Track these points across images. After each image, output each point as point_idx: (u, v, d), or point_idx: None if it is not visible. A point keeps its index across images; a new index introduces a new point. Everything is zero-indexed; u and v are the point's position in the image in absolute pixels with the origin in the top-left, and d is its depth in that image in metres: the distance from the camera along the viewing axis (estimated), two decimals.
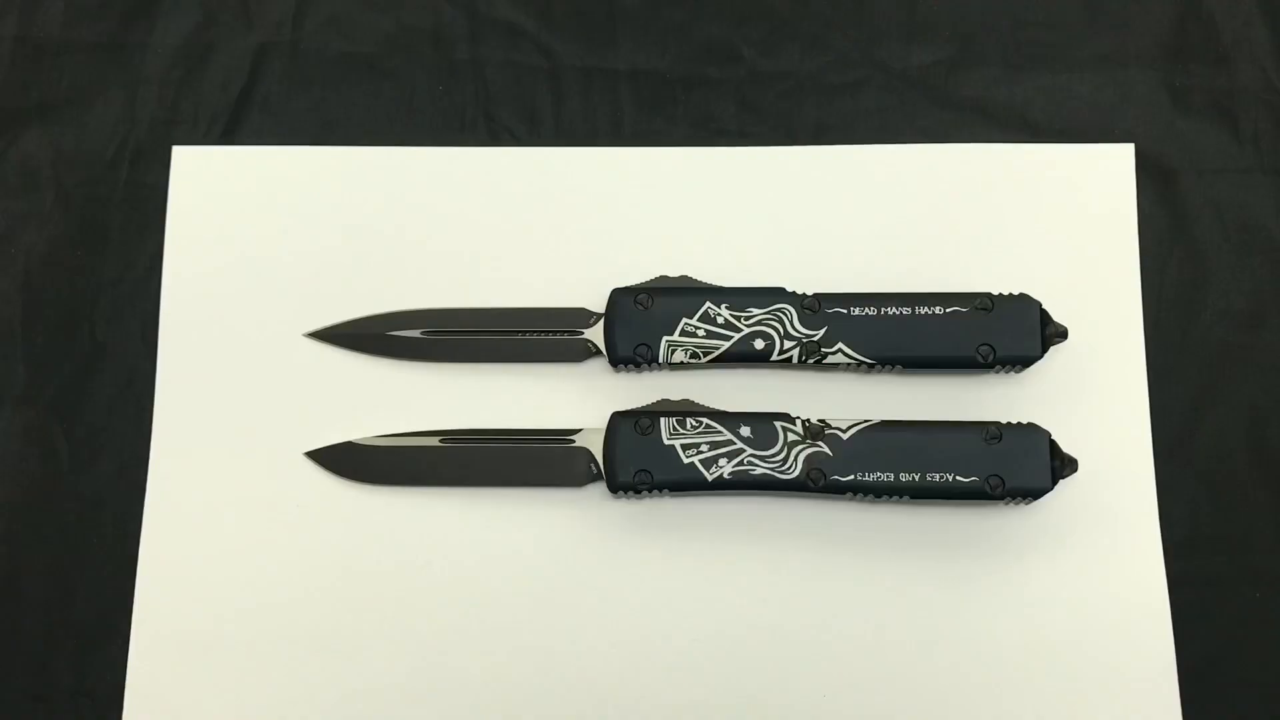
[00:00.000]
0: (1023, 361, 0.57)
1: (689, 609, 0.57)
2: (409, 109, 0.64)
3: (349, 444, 0.59)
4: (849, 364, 0.57)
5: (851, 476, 0.55)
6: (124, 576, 0.58)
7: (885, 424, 0.56)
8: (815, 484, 0.55)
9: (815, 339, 0.57)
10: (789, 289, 0.58)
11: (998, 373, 0.58)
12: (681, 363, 0.58)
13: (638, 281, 0.59)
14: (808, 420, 0.56)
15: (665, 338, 0.57)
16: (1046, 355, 0.57)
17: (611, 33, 0.65)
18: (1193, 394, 0.59)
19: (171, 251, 0.62)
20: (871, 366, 0.57)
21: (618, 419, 0.57)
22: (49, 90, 0.64)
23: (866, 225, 0.61)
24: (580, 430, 0.58)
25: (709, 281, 0.59)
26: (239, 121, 0.64)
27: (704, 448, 0.56)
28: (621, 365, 0.58)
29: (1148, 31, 0.64)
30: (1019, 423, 0.56)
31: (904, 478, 0.54)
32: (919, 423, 0.56)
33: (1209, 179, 0.62)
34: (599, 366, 0.60)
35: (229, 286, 0.61)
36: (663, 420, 0.56)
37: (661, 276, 0.59)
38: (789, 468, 0.55)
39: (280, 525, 0.58)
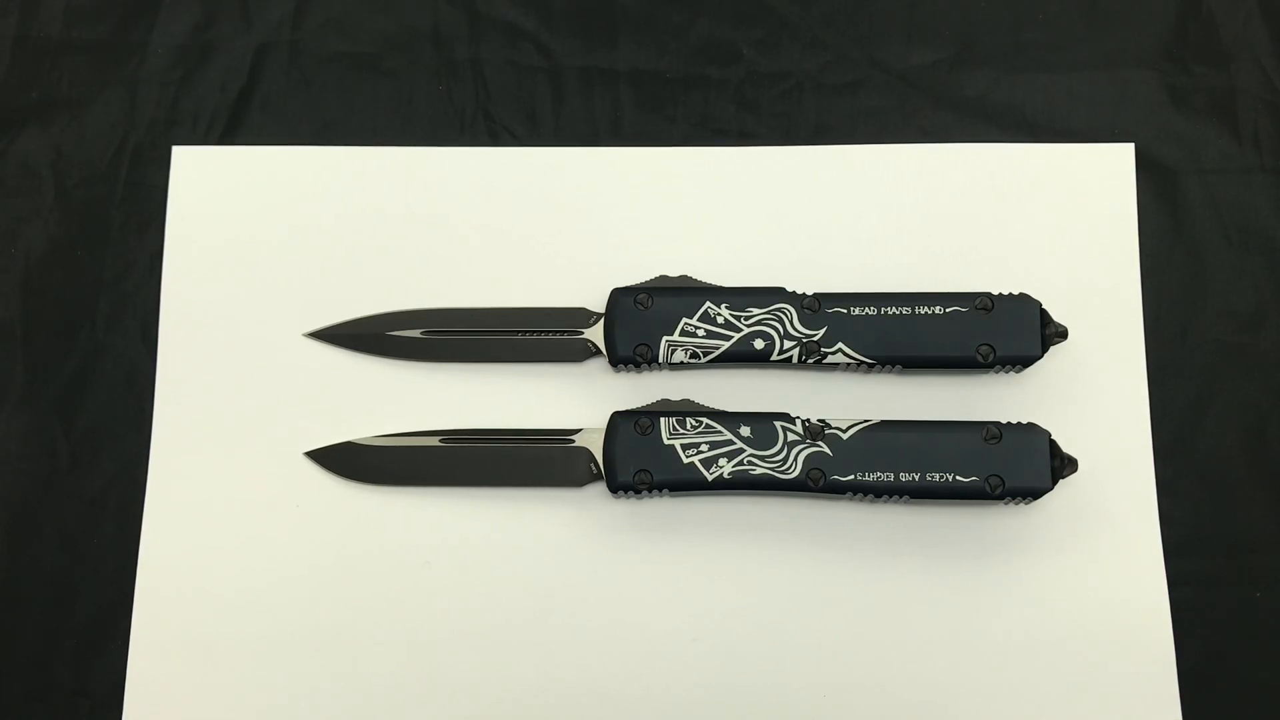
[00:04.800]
0: (1023, 361, 0.57)
1: (689, 609, 0.57)
2: (409, 109, 0.64)
3: (349, 444, 0.59)
4: (849, 364, 0.57)
5: (851, 476, 0.55)
6: (124, 576, 0.58)
7: (885, 424, 0.56)
8: (815, 484, 0.55)
9: (815, 339, 0.57)
10: (789, 289, 0.58)
11: (998, 373, 0.58)
12: (681, 363, 0.58)
13: (638, 281, 0.59)
14: (808, 420, 0.56)
15: (665, 338, 0.57)
16: (1046, 355, 0.57)
17: (611, 33, 0.65)
18: (1193, 394, 0.59)
19: (171, 251, 0.62)
20: (871, 366, 0.57)
21: (618, 419, 0.57)
22: (49, 90, 0.64)
23: (866, 225, 0.61)
24: (580, 430, 0.58)
25: (709, 281, 0.59)
26: (239, 121, 0.64)
27: (704, 448, 0.56)
28: (621, 365, 0.58)
29: (1148, 31, 0.64)
30: (1019, 423, 0.56)
31: (904, 478, 0.54)
32: (919, 423, 0.56)
33: (1209, 179, 0.62)
34: (599, 366, 0.60)
35: (229, 286, 0.61)
36: (663, 420, 0.56)
37: (661, 276, 0.59)
38: (789, 468, 0.55)
39: (280, 525, 0.58)
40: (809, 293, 0.58)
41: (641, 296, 0.58)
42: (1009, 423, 0.56)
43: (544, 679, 0.56)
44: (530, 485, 0.58)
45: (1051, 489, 0.54)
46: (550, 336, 0.59)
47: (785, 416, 0.56)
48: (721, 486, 0.56)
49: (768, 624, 0.57)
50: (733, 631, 0.57)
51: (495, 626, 0.57)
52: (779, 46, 0.65)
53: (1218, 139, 0.63)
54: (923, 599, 0.57)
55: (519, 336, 0.59)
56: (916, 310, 0.57)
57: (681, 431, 0.56)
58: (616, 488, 0.56)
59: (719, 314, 0.57)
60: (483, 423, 0.59)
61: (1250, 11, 0.64)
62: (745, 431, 0.56)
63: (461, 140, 0.63)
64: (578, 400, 0.60)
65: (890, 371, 0.58)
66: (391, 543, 0.58)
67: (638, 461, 0.56)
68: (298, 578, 0.57)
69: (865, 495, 0.55)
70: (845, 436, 0.55)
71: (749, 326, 0.57)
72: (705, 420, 0.56)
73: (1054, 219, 0.61)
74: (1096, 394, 0.59)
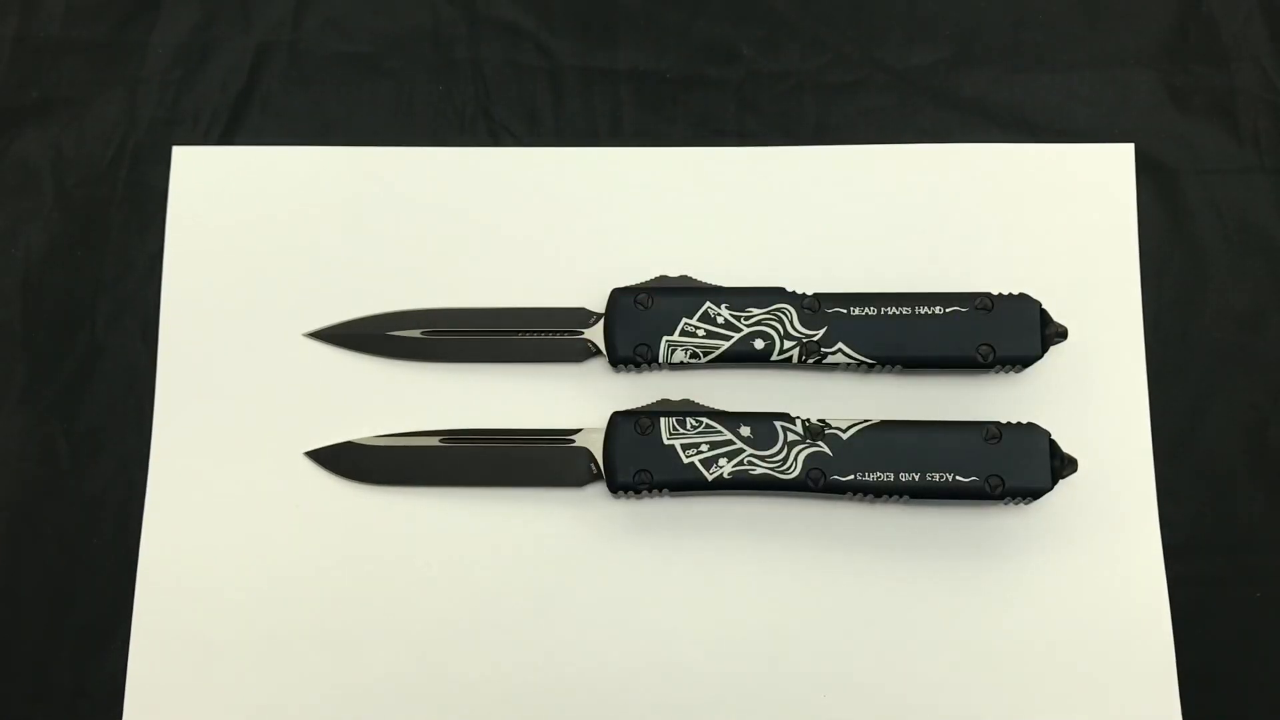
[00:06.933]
0: (1023, 361, 0.57)
1: (689, 609, 0.57)
2: (409, 109, 0.64)
3: (349, 444, 0.59)
4: (849, 364, 0.57)
5: (851, 476, 0.55)
6: (124, 576, 0.58)
7: (885, 424, 0.56)
8: (815, 484, 0.55)
9: (815, 339, 0.57)
10: (789, 289, 0.58)
11: (998, 373, 0.58)
12: (681, 363, 0.58)
13: (638, 281, 0.59)
14: (808, 420, 0.56)
15: (665, 338, 0.57)
16: (1046, 355, 0.57)
17: (611, 33, 0.65)
18: (1193, 394, 0.59)
19: (171, 251, 0.62)
20: (871, 366, 0.57)
21: (618, 419, 0.57)
22: (49, 90, 0.64)
23: (866, 225, 0.61)
24: (580, 430, 0.58)
25: (709, 281, 0.59)
26: (239, 121, 0.64)
27: (704, 448, 0.56)
28: (621, 365, 0.58)
29: (1148, 31, 0.64)
30: (1019, 423, 0.56)
31: (904, 478, 0.54)
32: (919, 422, 0.56)
33: (1209, 179, 0.62)
34: (599, 366, 0.60)
35: (229, 286, 0.61)
36: (663, 420, 0.56)
37: (661, 276, 0.59)
38: (789, 468, 0.55)
39: (280, 525, 0.58)
40: (809, 293, 0.58)
41: (641, 296, 0.58)
42: (1009, 423, 0.56)
43: (544, 679, 0.56)
44: (530, 485, 0.58)
45: (1051, 489, 0.54)
46: (550, 336, 0.59)
47: (785, 416, 0.56)
48: (721, 486, 0.56)
49: (768, 624, 0.57)
50: (733, 631, 0.57)
51: (495, 626, 0.57)
52: (779, 46, 0.65)
53: (1218, 139, 0.63)
54: (923, 599, 0.57)
55: (519, 336, 0.59)
56: (916, 310, 0.57)
57: (681, 431, 0.56)
58: (616, 488, 0.56)
59: (719, 314, 0.57)
60: (483, 423, 0.59)
61: (1250, 11, 0.64)
62: (745, 431, 0.56)
63: (461, 140, 0.63)
64: (578, 400, 0.59)
65: (890, 371, 0.58)
66: (391, 543, 0.58)
67: (638, 461, 0.56)
68: (298, 578, 0.57)
69: (865, 495, 0.55)
70: (845, 436, 0.55)
71: (749, 326, 0.57)
72: (705, 420, 0.56)
73: (1054, 219, 0.61)
74: (1096, 394, 0.59)
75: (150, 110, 0.64)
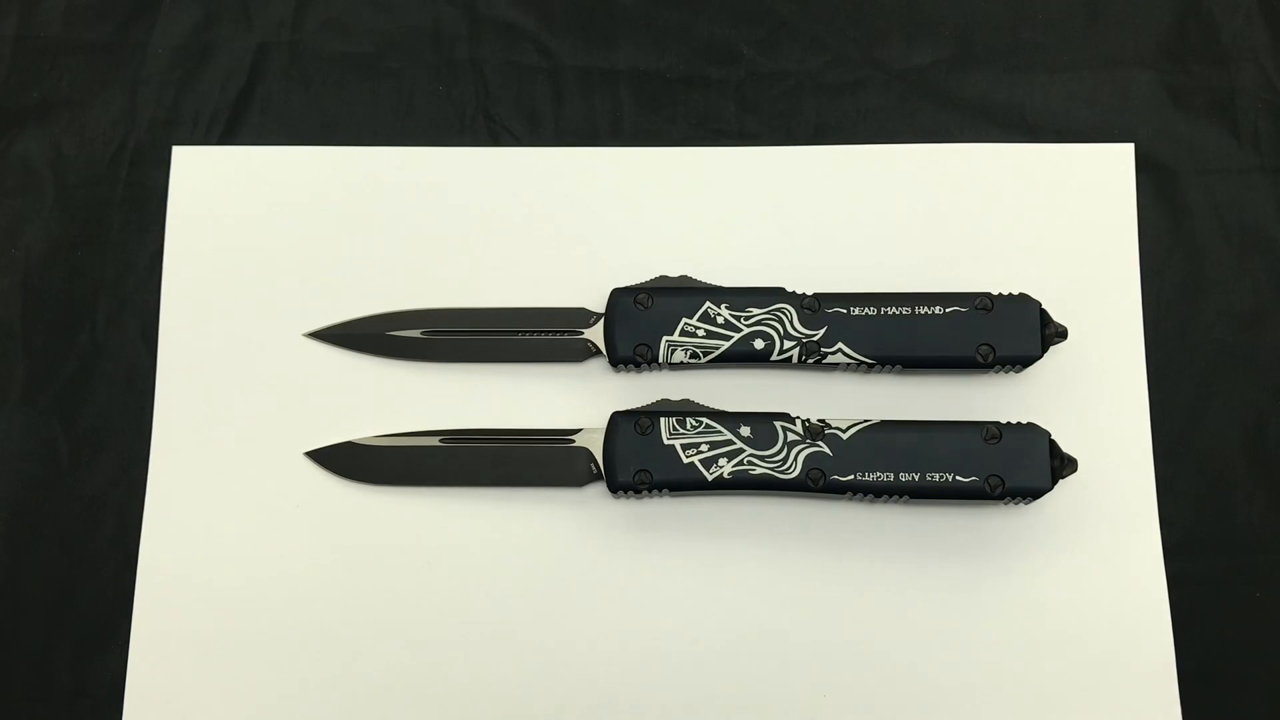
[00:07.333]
0: (1022, 361, 0.57)
1: (689, 609, 0.57)
2: (409, 109, 0.64)
3: (349, 444, 0.59)
4: (849, 364, 0.57)
5: (851, 476, 0.55)
6: (124, 576, 0.58)
7: (885, 424, 0.56)
8: (815, 484, 0.55)
9: (815, 339, 0.57)
10: (789, 289, 0.58)
11: (997, 372, 0.58)
12: (681, 363, 0.58)
13: (638, 281, 0.59)
14: (808, 420, 0.56)
15: (665, 338, 0.57)
16: (1046, 355, 0.57)
17: (611, 33, 0.65)
18: (1193, 394, 0.59)
19: (171, 251, 0.62)
20: (871, 366, 0.57)
21: (618, 419, 0.57)
22: (49, 90, 0.64)
23: (866, 225, 0.61)
24: (580, 430, 0.58)
25: (709, 281, 0.59)
26: (239, 121, 0.64)
27: (704, 447, 0.56)
28: (621, 365, 0.58)
29: (1148, 31, 0.64)
30: (1019, 422, 0.56)
31: (904, 478, 0.54)
32: (919, 422, 0.56)
33: (1209, 179, 0.62)
34: (599, 366, 0.60)
35: (229, 286, 0.61)
36: (663, 420, 0.56)
37: (661, 276, 0.59)
38: (789, 468, 0.55)
39: (280, 525, 0.58)
40: (809, 293, 0.58)
41: (641, 296, 0.58)
42: (1009, 423, 0.56)
43: (543, 678, 0.56)
44: (530, 485, 0.58)
45: (1051, 489, 0.54)
46: (550, 336, 0.59)
47: (785, 416, 0.56)
48: (721, 486, 0.56)
49: (767, 624, 0.57)
50: (732, 631, 0.57)
51: (495, 626, 0.57)
52: (779, 46, 0.65)
53: (1217, 139, 0.63)
54: (922, 599, 0.57)
55: (519, 336, 0.59)
56: (916, 310, 0.57)
57: (681, 431, 0.56)
58: (616, 488, 0.56)
59: (719, 314, 0.57)
60: (483, 423, 0.59)
61: (1250, 11, 0.64)
62: (745, 431, 0.56)
63: (461, 140, 0.64)
64: (578, 400, 0.59)
65: (890, 371, 0.58)
66: (391, 542, 0.58)
67: (638, 461, 0.56)
68: (298, 577, 0.57)
69: (865, 495, 0.55)
70: (845, 436, 0.55)
71: (749, 326, 0.57)
72: (705, 420, 0.56)
73: (1054, 219, 0.61)
74: (1096, 394, 0.59)
75: (150, 110, 0.64)
